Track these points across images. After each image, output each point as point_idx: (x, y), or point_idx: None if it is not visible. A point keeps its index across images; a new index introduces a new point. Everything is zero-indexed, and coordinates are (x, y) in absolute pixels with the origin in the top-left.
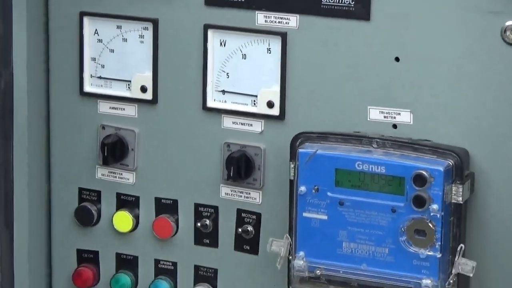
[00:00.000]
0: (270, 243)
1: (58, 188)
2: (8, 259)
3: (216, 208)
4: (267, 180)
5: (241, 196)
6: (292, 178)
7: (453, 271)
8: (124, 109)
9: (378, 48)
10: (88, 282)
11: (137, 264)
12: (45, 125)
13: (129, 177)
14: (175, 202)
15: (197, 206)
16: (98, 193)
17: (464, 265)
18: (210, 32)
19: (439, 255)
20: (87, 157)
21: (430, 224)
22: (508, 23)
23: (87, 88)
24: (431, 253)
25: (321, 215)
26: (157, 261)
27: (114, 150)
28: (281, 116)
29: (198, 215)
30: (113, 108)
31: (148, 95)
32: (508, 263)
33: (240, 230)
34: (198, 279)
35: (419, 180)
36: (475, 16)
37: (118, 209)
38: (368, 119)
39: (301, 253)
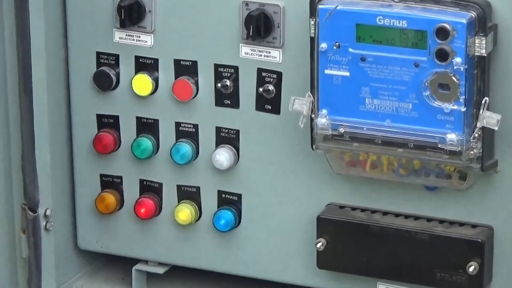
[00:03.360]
0: (292, 102)
1: (75, 53)
2: (28, 126)
3: (236, 68)
4: (287, 38)
5: (261, 55)
6: (312, 35)
7: (478, 125)
8: None
9: None
10: (109, 147)
11: (157, 127)
12: None
13: (147, 40)
14: (194, 63)
15: (216, 66)
16: (116, 56)
17: (489, 119)
18: None
19: (463, 109)
20: (103, 21)
21: (453, 78)
22: None
23: None
24: (455, 107)
25: (343, 71)
26: (178, 124)
27: (131, 12)
28: None
29: (218, 76)
30: None
31: None
32: None
33: (261, 89)
34: (219, 140)
35: (442, 33)
36: None
37: (137, 72)
38: None
39: (324, 111)
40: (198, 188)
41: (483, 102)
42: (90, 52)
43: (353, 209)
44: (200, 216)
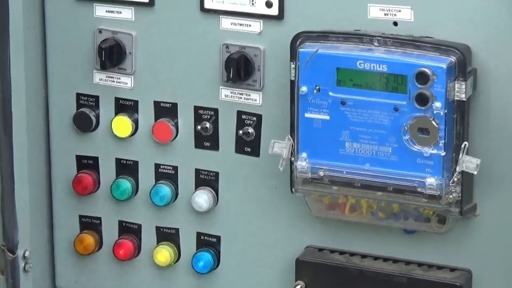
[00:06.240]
0: (272, 145)
1: (55, 94)
2: (8, 165)
3: (216, 111)
4: (267, 81)
5: (241, 98)
6: (292, 78)
7: (457, 169)
8: (120, 12)
9: None
10: (88, 188)
11: (137, 169)
12: (40, 30)
13: (127, 81)
14: (174, 105)
15: (196, 108)
16: (96, 98)
17: (468, 163)
18: None
19: (443, 153)
20: (84, 62)
21: (433, 122)
22: None
23: None
24: (434, 151)
25: (323, 115)
26: (157, 166)
27: (112, 54)
28: (280, 16)
29: (198, 118)
30: (109, 11)
31: None
32: (511, 160)
33: (240, 132)
34: (199, 182)
35: (422, 77)
36: None
37: (117, 113)
38: (369, 17)
39: (304, 154)
40: (177, 230)
41: (462, 146)
42: (70, 93)
43: (332, 252)
44: (179, 258)
